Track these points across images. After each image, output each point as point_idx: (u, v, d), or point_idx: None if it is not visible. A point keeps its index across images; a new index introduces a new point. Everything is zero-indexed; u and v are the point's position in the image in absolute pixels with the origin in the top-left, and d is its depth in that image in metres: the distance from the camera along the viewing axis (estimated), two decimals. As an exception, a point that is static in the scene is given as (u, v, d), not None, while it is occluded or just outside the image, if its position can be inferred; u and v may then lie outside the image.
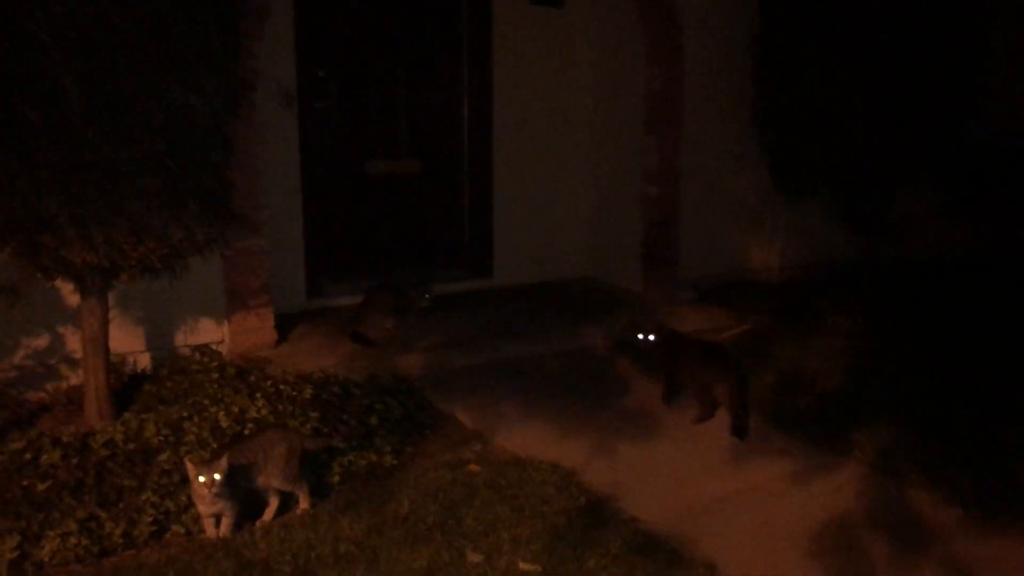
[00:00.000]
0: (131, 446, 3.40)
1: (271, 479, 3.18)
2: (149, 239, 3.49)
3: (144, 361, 4.59)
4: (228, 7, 3.64)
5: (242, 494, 3.10)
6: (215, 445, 3.48)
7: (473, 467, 3.66)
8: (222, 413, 3.70)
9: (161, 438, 3.47)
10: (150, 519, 3.05)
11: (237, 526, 3.09)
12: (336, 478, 3.54)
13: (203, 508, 3.00)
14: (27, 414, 4.02)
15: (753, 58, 6.05)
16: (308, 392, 4.00)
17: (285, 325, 5.28)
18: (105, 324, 3.82)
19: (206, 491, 2.92)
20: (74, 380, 4.38)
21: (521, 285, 6.49)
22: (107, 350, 3.86)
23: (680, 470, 3.84)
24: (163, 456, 3.35)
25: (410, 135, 6.14)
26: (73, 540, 2.91)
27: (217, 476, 2.92)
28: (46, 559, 2.87)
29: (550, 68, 6.41)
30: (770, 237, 6.67)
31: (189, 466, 2.95)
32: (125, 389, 4.20)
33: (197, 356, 4.56)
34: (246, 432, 3.53)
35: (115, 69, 3.19)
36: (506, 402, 4.51)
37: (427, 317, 5.49)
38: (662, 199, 6.21)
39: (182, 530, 3.09)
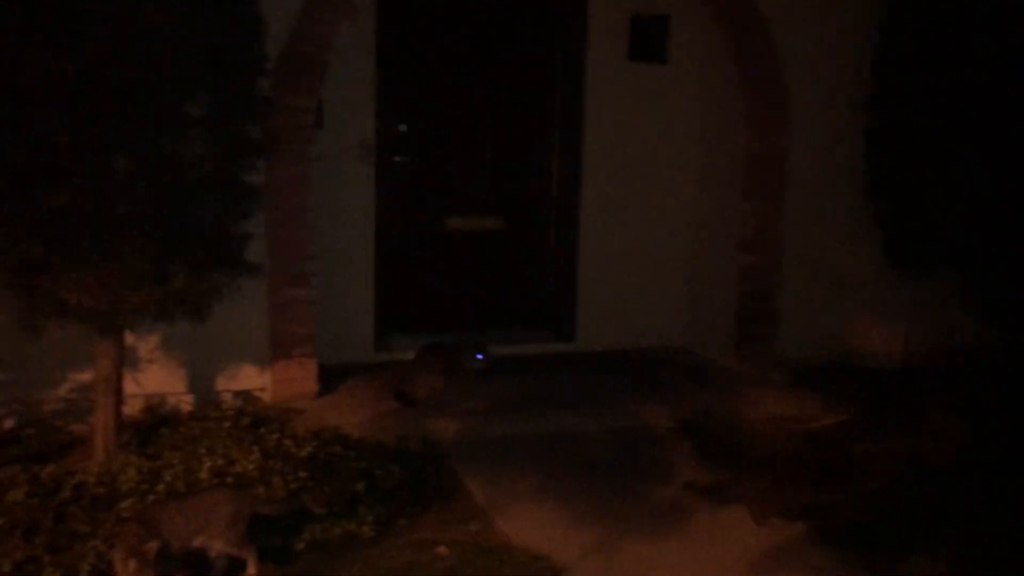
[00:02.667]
0: (100, 490, 3.41)
1: (213, 541, 3.07)
2: (146, 285, 3.54)
3: (187, 402, 4.68)
4: (238, 68, 3.68)
5: (177, 558, 3.00)
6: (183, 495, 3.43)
7: (441, 550, 3.40)
8: (208, 464, 3.66)
9: (133, 484, 3.47)
10: (89, 568, 3.02)
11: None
12: (302, 546, 3.38)
13: None
14: (61, 446, 4.17)
15: (867, 122, 5.46)
16: (307, 450, 3.89)
17: (344, 376, 5.26)
18: (118, 365, 3.91)
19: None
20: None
21: (604, 351, 6.14)
22: (119, 390, 3.94)
23: (687, 578, 3.39)
24: (125, 504, 3.33)
25: (493, 192, 6.02)
26: (3, 582, 2.93)
27: (138, 567, 2.84)
28: (-23, 597, 2.91)
29: (648, 126, 6.10)
30: (889, 319, 5.94)
31: (115, 551, 2.89)
32: (153, 428, 4.27)
33: (229, 402, 4.60)
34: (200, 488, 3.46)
35: (103, 122, 3.28)
36: (527, 480, 4.20)
37: (482, 380, 5.29)
38: (759, 270, 5.70)
39: (124, 583, 3.04)
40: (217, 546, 3.08)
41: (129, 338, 4.48)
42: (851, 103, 5.49)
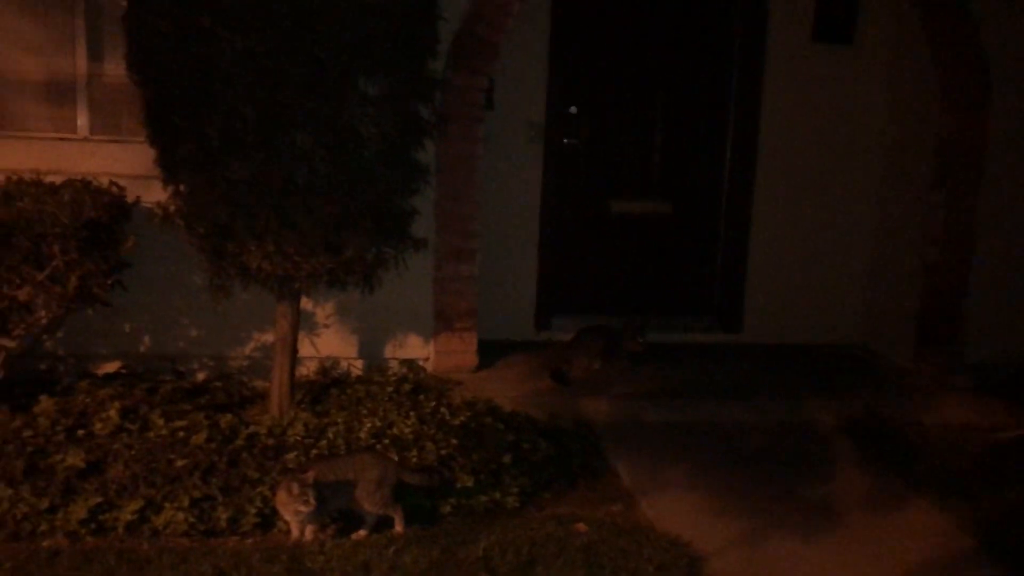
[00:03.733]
0: (270, 441, 3.68)
1: (362, 502, 3.24)
2: (320, 253, 3.77)
3: (357, 367, 4.96)
4: (413, 49, 3.83)
5: (331, 509, 3.21)
6: (343, 453, 3.65)
7: (580, 526, 3.42)
8: (368, 425, 3.87)
9: (299, 438, 3.72)
10: (255, 511, 3.28)
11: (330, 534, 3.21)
12: (448, 509, 3.52)
13: (286, 515, 3.15)
14: (243, 399, 4.51)
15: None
16: (460, 419, 4.02)
17: (504, 352, 5.39)
18: (295, 327, 4.18)
19: (288, 500, 3.07)
20: (298, 374, 4.86)
21: (773, 344, 5.94)
22: (295, 351, 4.22)
23: (831, 581, 3.25)
24: (290, 455, 3.58)
25: (662, 176, 5.95)
26: (182, 515, 3.23)
27: (297, 490, 3.06)
28: (160, 527, 3.22)
29: (831, 111, 5.81)
30: (1098, 324, 5.39)
31: (279, 490, 3.13)
32: (324, 389, 4.55)
33: (395, 369, 4.83)
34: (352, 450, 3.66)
35: (287, 99, 3.51)
36: (678, 466, 4.16)
37: (641, 365, 5.26)
38: (946, 266, 5.32)
39: (285, 527, 3.28)
40: (365, 506, 3.25)
41: (307, 304, 4.82)
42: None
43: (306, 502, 3.08)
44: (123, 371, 4.65)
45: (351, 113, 3.75)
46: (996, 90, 5.12)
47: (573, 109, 5.78)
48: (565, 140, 5.76)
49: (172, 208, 3.81)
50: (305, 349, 4.88)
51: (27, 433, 3.58)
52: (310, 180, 3.68)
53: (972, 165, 5.19)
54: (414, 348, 5.02)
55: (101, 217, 3.73)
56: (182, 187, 3.76)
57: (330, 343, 4.91)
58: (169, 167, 3.74)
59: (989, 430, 4.71)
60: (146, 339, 4.80)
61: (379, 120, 3.81)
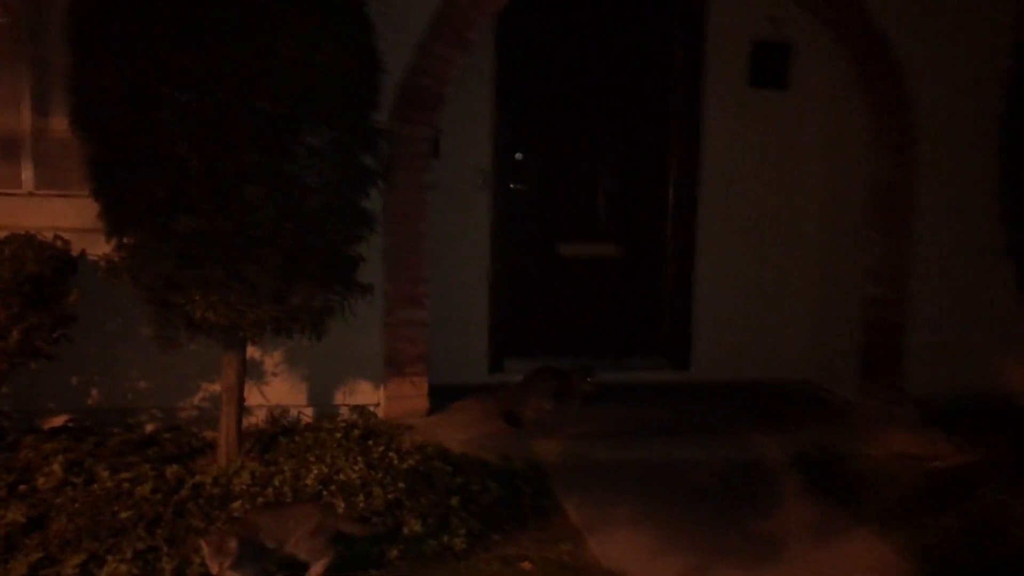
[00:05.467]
0: (216, 490, 3.68)
1: (296, 548, 3.24)
2: (265, 302, 3.81)
3: (307, 414, 4.96)
4: (356, 101, 3.93)
5: (273, 558, 3.20)
6: (289, 500, 3.65)
7: (525, 565, 3.46)
8: (315, 472, 3.87)
9: (245, 487, 3.71)
10: (199, 560, 3.26)
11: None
12: (395, 554, 3.52)
13: (212, 570, 3.14)
14: (193, 449, 4.50)
15: (999, 145, 5.16)
16: (409, 463, 4.05)
17: (457, 396, 5.43)
18: (241, 376, 4.20)
19: (215, 570, 3.08)
20: (247, 422, 4.86)
21: (721, 381, 6.04)
22: (241, 400, 4.23)
23: (775, 613, 3.30)
24: (236, 504, 3.58)
25: (609, 218, 6.08)
26: (125, 568, 3.20)
27: (214, 548, 3.06)
28: (103, 581, 3.20)
29: (770, 153, 6.00)
30: (1031, 355, 5.56)
31: (202, 544, 3.13)
32: (273, 437, 4.55)
33: (345, 416, 4.84)
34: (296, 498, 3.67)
35: (232, 153, 3.58)
36: (627, 504, 4.20)
37: (592, 405, 5.32)
38: (886, 301, 5.48)
39: None
40: (300, 553, 3.25)
41: (255, 352, 4.84)
42: (982, 126, 5.21)
43: (223, 562, 3.07)
44: (70, 425, 4.61)
45: (297, 165, 3.82)
46: (924, 133, 5.32)
47: (519, 156, 5.91)
48: (512, 185, 5.88)
49: (117, 260, 3.83)
50: (254, 398, 4.89)
51: (-32, 490, 3.54)
52: (257, 231, 3.73)
53: (904, 205, 5.38)
54: (364, 394, 5.04)
55: (44, 271, 3.75)
56: (126, 240, 3.79)
57: (279, 391, 4.92)
58: (113, 220, 3.77)
59: (930, 459, 4.82)
60: (94, 392, 4.77)
61: (324, 171, 3.88)
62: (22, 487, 3.63)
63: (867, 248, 5.52)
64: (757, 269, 6.09)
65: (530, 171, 5.95)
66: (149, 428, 4.78)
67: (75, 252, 4.34)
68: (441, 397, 5.31)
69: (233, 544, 3.11)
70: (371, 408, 5.04)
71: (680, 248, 6.05)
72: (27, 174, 4.70)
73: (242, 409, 4.26)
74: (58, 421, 4.64)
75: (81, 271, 4.35)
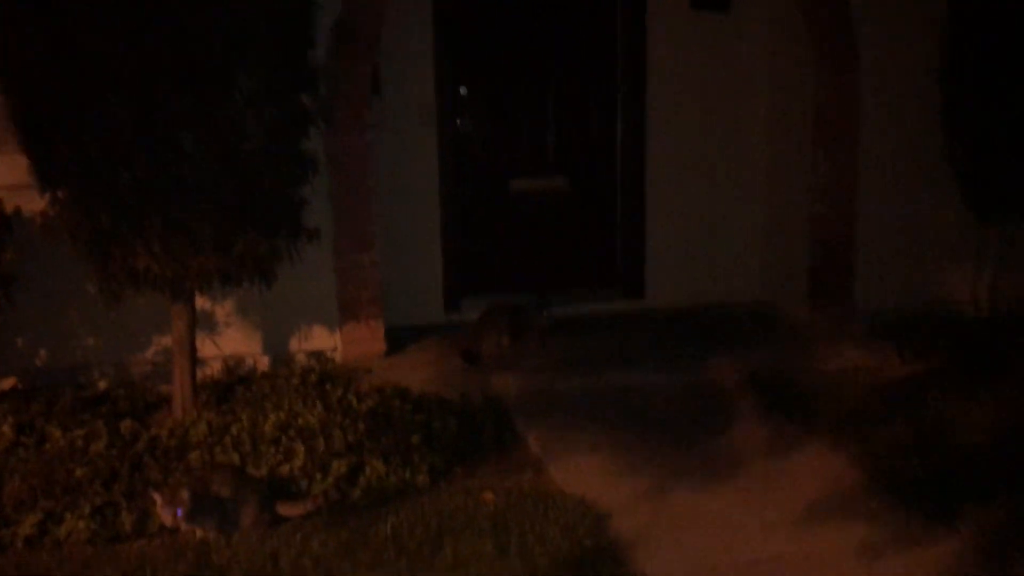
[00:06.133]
0: (172, 442, 3.65)
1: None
2: (208, 251, 3.74)
3: (263, 363, 4.93)
4: (290, 41, 3.82)
5: (224, 510, 3.20)
6: (247, 448, 3.64)
7: (487, 496, 3.50)
8: (272, 419, 3.86)
9: (202, 438, 3.69)
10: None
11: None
12: (358, 493, 3.54)
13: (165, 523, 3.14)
14: (148, 405, 4.45)
15: (942, 61, 5.20)
16: (368, 405, 4.05)
17: (414, 337, 5.42)
18: (191, 327, 4.14)
19: (168, 522, 3.07)
20: (202, 374, 4.82)
21: (676, 308, 6.09)
22: (194, 351, 4.18)
23: (732, 524, 3.38)
24: (193, 455, 3.56)
25: (558, 152, 6.05)
26: (83, 524, 3.18)
27: (162, 502, 3.07)
28: (63, 538, 3.17)
29: (714, 77, 5.97)
30: (974, 266, 5.68)
31: (155, 497, 3.12)
32: (229, 388, 4.52)
33: (302, 362, 4.82)
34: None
35: (163, 101, 3.46)
36: (585, 432, 4.25)
37: (549, 338, 5.34)
38: (832, 219, 5.54)
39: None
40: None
41: (206, 303, 4.78)
42: (926, 41, 5.24)
43: (171, 515, 3.07)
44: (18, 387, 4.53)
45: (232, 109, 3.72)
46: (868, 51, 5.32)
47: (463, 90, 5.82)
48: (458, 121, 5.80)
49: (52, 216, 3.73)
50: (208, 349, 4.85)
51: (-85, 458, 3.48)
52: (196, 179, 3.65)
53: (848, 124, 5.40)
54: (321, 339, 5.02)
55: (-29, 230, 3.62)
56: (60, 194, 3.69)
57: (233, 341, 4.87)
58: (44, 174, 3.65)
59: (880, 372, 4.94)
60: (42, 352, 4.69)
61: (261, 114, 3.79)
62: (-28, 451, 3.57)
63: (813, 167, 5.55)
64: (706, 195, 6.11)
65: (476, 106, 5.88)
66: (102, 386, 4.70)
67: (10, 210, 4.21)
68: (399, 339, 5.31)
69: (185, 495, 3.10)
70: (328, 353, 5.02)
71: (630, 178, 6.04)
72: (-48, 131, 4.51)
73: (195, 361, 4.21)
74: (5, 385, 4.56)
75: (17, 229, 4.24)
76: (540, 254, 6.11)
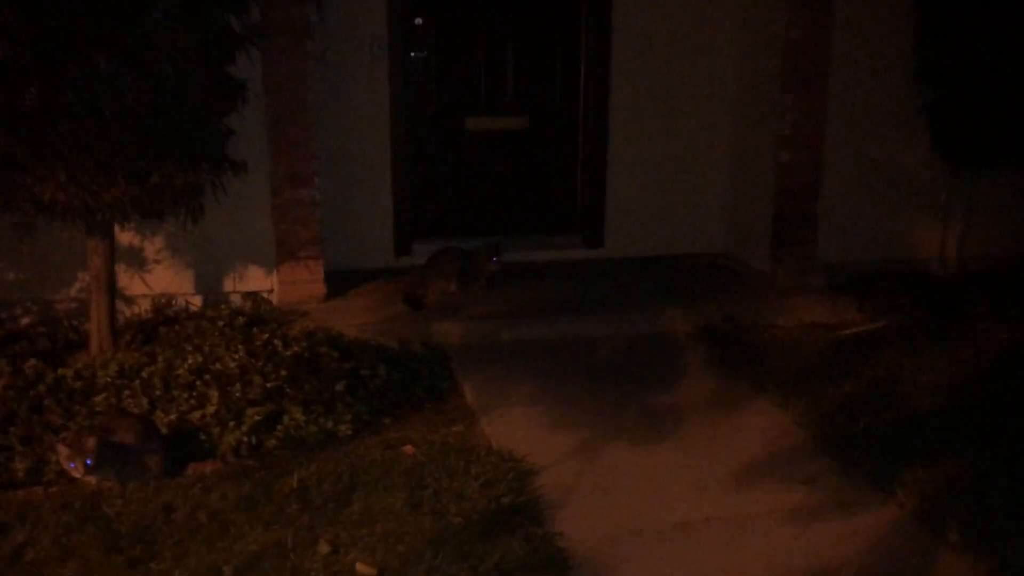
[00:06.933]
0: (78, 384, 3.44)
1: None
2: (120, 181, 3.49)
3: (195, 303, 4.70)
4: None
5: (129, 460, 3.02)
6: (159, 392, 3.44)
7: (407, 449, 3.32)
8: (189, 362, 3.65)
9: (110, 379, 3.48)
10: (56, 460, 3.06)
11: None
12: (273, 442, 3.36)
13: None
14: (69, 343, 4.24)
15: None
16: (294, 350, 3.83)
17: (362, 281, 5.21)
18: (109, 262, 3.91)
19: (74, 472, 2.89)
20: (130, 313, 4.60)
21: (635, 257, 5.88)
22: (112, 288, 3.96)
23: (663, 484, 3.22)
24: (99, 398, 3.36)
25: (517, 89, 5.74)
26: (-30, 469, 2.99)
27: (65, 454, 2.89)
28: (-51, 483, 2.98)
29: (681, 15, 5.66)
30: (943, 221, 5.49)
31: (59, 447, 2.92)
32: (155, 328, 4.30)
33: (238, 303, 4.61)
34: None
35: (70, 17, 3.18)
36: (525, 384, 4.08)
37: (500, 285, 5.14)
38: (797, 167, 5.31)
39: (93, 473, 3.07)
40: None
41: (134, 238, 4.55)
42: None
43: (80, 465, 2.90)
44: (-69, 322, 4.31)
45: (148, 27, 3.45)
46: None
47: (419, 20, 5.50)
48: (412, 54, 5.49)
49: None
50: (137, 287, 4.64)
51: None
52: (104, 103, 3.38)
53: (817, 65, 5.15)
54: (256, 280, 4.79)
55: None
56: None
57: (163, 279, 4.64)
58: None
59: (839, 327, 4.77)
60: (-43, 286, 4.46)
61: (179, 33, 3.51)
62: None
63: (780, 112, 5.30)
64: (671, 141, 5.84)
65: (431, 38, 5.55)
66: (25, 322, 4.50)
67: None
68: (344, 282, 5.10)
69: (92, 444, 2.92)
70: (264, 295, 4.81)
71: (592, 120, 5.77)
72: None
73: (113, 298, 3.99)
74: (-81, 318, 4.34)
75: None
76: (497, 197, 5.85)
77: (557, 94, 5.80)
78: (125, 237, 4.50)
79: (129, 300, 4.62)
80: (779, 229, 5.42)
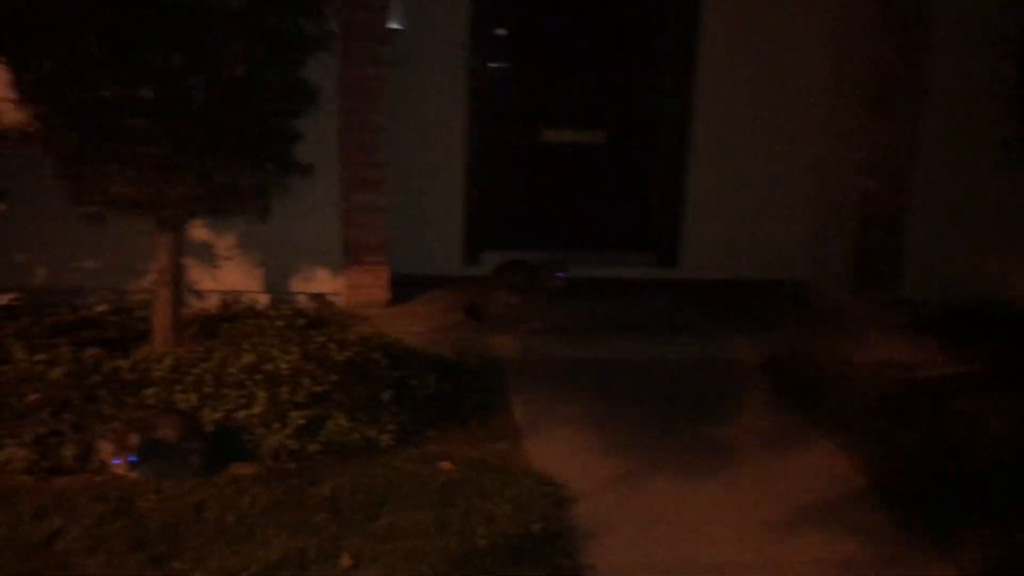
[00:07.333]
0: (132, 376, 3.52)
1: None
2: (186, 179, 3.56)
3: (261, 301, 4.77)
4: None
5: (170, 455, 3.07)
6: (209, 389, 3.49)
7: (444, 465, 3.27)
8: (243, 361, 3.69)
9: (163, 374, 3.55)
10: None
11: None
12: (316, 447, 3.37)
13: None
14: (138, 334, 4.35)
15: (1018, 22, 4.63)
16: (346, 355, 3.84)
17: (427, 287, 5.20)
18: (176, 257, 3.98)
19: (116, 469, 2.96)
20: (198, 307, 4.71)
21: (711, 280, 5.69)
22: (178, 283, 4.02)
23: (705, 521, 3.09)
24: (149, 391, 3.42)
25: (597, 102, 5.65)
26: (23, 452, 3.08)
27: (119, 457, 2.95)
28: (1, 465, 3.08)
29: (772, 33, 5.46)
30: (1044, 258, 5.15)
31: (101, 445, 2.99)
32: (219, 323, 4.38)
33: (303, 304, 4.68)
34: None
35: (136, 17, 3.27)
36: (576, 404, 3.99)
37: (564, 301, 5.05)
38: (884, 196, 5.07)
39: (137, 465, 3.14)
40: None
41: (207, 235, 4.65)
42: (994, 7, 4.67)
43: (123, 462, 2.96)
44: (14, 304, 4.49)
45: (220, 28, 3.51)
46: (932, 12, 4.79)
47: (501, 31, 5.48)
48: (491, 64, 5.47)
49: (30, 130, 3.60)
50: (207, 282, 4.74)
51: None
52: (173, 101, 3.46)
53: (909, 90, 4.90)
54: (323, 282, 4.84)
55: (-55, 140, 3.51)
56: (39, 109, 3.54)
57: (232, 276, 4.73)
58: (23, 89, 3.50)
59: (915, 368, 4.51)
60: (41, 271, 4.64)
61: (251, 35, 3.56)
62: (-67, 366, 3.51)
63: (868, 139, 5.06)
64: (755, 161, 5.65)
65: (511, 49, 5.51)
66: (99, 309, 4.64)
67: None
68: (409, 288, 5.09)
69: (135, 441, 2.98)
70: (331, 297, 4.85)
71: (674, 135, 5.63)
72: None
73: (179, 293, 4.05)
74: (3, 299, 4.53)
75: (15, 145, 4.14)
76: (570, 210, 5.77)
77: (637, 108, 5.69)
78: (198, 233, 4.60)
79: (199, 295, 4.73)
80: (861, 260, 5.18)
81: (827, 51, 5.43)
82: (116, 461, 2.99)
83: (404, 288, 5.04)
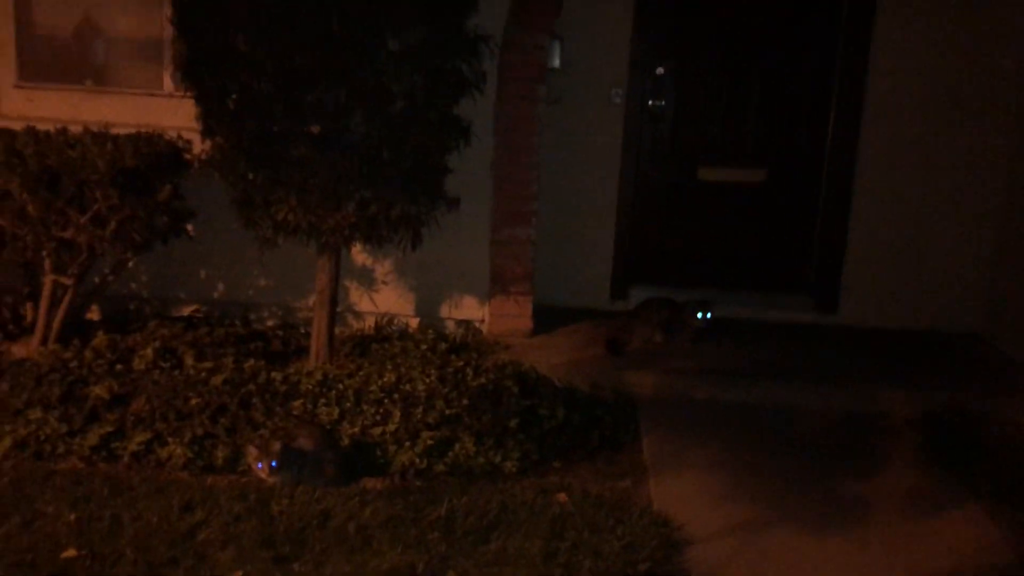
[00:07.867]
0: (283, 388, 3.80)
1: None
2: (342, 208, 3.84)
3: (413, 324, 5.01)
4: (446, 3, 3.79)
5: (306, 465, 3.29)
6: (349, 404, 3.71)
7: (561, 496, 3.31)
8: (383, 380, 3.89)
9: (310, 387, 3.81)
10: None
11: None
12: (442, 468, 3.51)
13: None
14: (299, 349, 4.68)
15: None
16: (480, 381, 3.97)
17: (572, 320, 5.28)
18: (333, 280, 4.28)
19: (260, 472, 3.21)
20: (355, 327, 5.01)
21: (872, 328, 5.44)
22: (334, 303, 4.32)
23: (825, 582, 2.97)
24: (296, 403, 3.69)
25: (756, 140, 5.56)
26: (182, 450, 3.41)
27: (254, 454, 3.22)
28: (163, 459, 3.42)
29: (951, 67, 5.20)
30: None
31: (248, 449, 3.25)
32: (371, 344, 4.65)
33: (451, 329, 4.87)
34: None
35: (307, 56, 3.58)
36: (709, 447, 3.93)
37: (710, 341, 4.97)
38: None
39: (280, 470, 3.39)
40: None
41: (366, 260, 4.95)
42: None
43: (266, 466, 3.20)
44: (196, 315, 4.96)
45: (378, 69, 3.77)
46: None
47: (660, 70, 5.51)
48: (650, 102, 5.51)
49: (210, 159, 3.99)
50: (366, 304, 5.03)
51: (73, 364, 3.89)
52: (335, 135, 3.75)
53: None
54: (470, 309, 5.02)
55: (139, 166, 3.94)
56: (218, 140, 3.93)
57: (388, 299, 5.00)
58: (206, 121, 3.90)
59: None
60: (220, 286, 5.08)
61: (407, 75, 3.80)
62: (119, 367, 3.93)
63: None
64: (927, 203, 5.37)
65: (670, 87, 5.53)
66: (269, 324, 5.04)
67: (196, 151, 4.56)
68: (554, 319, 5.19)
69: (277, 447, 3.22)
70: (476, 324, 5.02)
71: (837, 175, 5.44)
72: (167, 77, 4.96)
73: (334, 312, 4.35)
74: (187, 310, 5.01)
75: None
76: (723, 249, 5.69)
77: (798, 147, 5.54)
78: (359, 258, 4.92)
79: (358, 315, 5.03)
80: (1041, 315, 4.79)
81: (1015, 89, 5.08)
82: (259, 465, 3.23)
83: (549, 319, 5.14)
